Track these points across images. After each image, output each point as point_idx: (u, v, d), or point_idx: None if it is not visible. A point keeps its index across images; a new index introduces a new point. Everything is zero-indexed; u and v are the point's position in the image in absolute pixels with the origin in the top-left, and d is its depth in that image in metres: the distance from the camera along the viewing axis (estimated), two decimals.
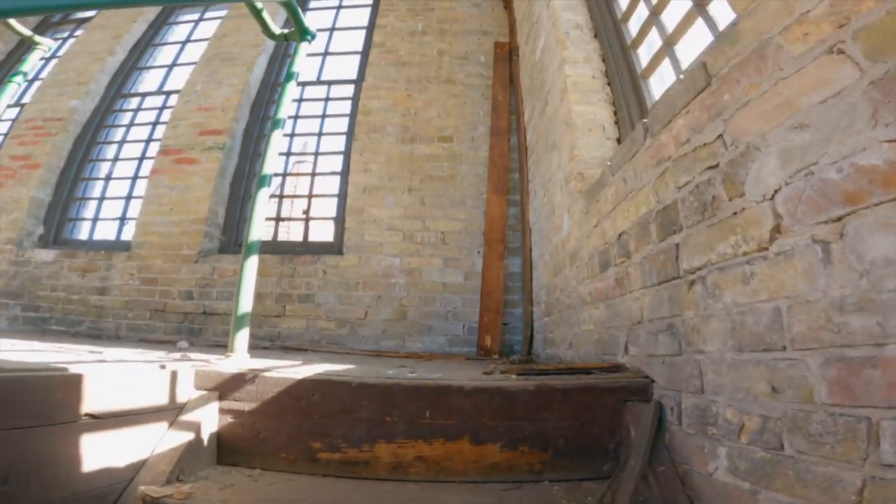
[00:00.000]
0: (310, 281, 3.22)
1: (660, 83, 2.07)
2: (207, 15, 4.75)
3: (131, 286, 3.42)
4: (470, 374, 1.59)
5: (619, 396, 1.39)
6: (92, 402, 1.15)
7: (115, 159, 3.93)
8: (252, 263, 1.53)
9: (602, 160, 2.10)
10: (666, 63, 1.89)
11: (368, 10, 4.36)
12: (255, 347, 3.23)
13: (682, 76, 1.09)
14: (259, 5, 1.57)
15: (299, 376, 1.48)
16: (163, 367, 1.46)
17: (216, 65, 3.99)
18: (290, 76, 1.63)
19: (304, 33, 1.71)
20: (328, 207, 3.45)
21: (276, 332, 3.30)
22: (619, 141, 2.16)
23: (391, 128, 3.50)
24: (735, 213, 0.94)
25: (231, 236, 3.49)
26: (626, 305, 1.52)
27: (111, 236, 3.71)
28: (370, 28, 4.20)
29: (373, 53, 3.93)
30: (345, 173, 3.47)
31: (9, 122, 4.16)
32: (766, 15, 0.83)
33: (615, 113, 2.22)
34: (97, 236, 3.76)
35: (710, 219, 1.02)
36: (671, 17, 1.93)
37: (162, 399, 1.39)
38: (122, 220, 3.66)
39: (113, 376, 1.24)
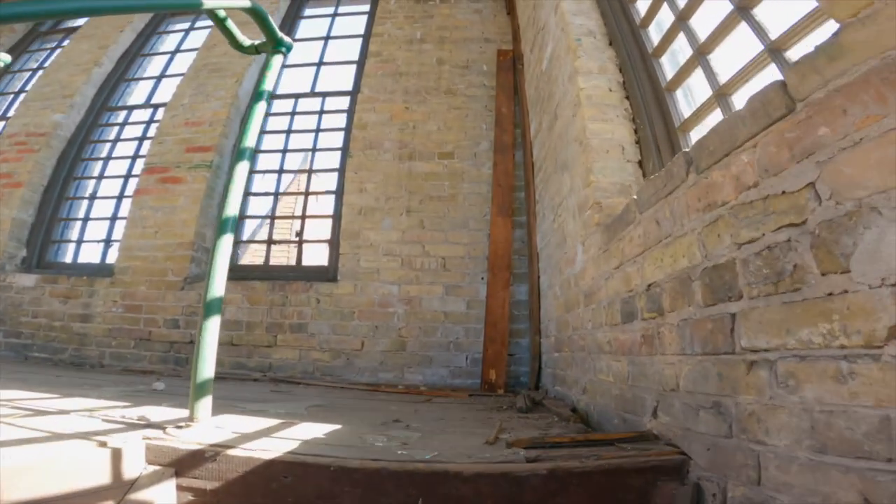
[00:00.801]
0: (302, 310, 2.99)
1: (688, 97, 1.82)
2: (198, 24, 4.55)
3: (114, 314, 3.21)
4: (470, 448, 1.34)
5: (649, 477, 1.15)
6: (12, 491, 0.97)
7: (100, 177, 3.73)
8: (213, 325, 1.30)
9: (622, 187, 1.85)
10: (698, 75, 1.63)
11: (365, 17, 4.14)
12: (245, 379, 3.00)
13: (750, 97, 0.84)
14: (222, 14, 1.34)
15: (268, 455, 1.24)
16: (103, 444, 1.22)
17: (204, 76, 3.77)
18: (259, 96, 1.38)
19: (277, 44, 1.47)
20: (324, 228, 3.22)
21: (268, 363, 3.06)
22: (640, 164, 1.91)
23: (388, 143, 3.26)
24: (830, 294, 0.69)
25: None
26: (655, 368, 1.27)
27: (96, 259, 3.50)
28: (366, 36, 3.97)
29: (369, 63, 3.70)
30: (340, 193, 3.23)
31: None
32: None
33: (636, 131, 1.97)
34: (82, 259, 3.55)
35: (789, 294, 0.76)
36: (703, 23, 1.68)
37: (104, 478, 1.16)
38: (107, 242, 3.45)
39: (37, 465, 1.04)
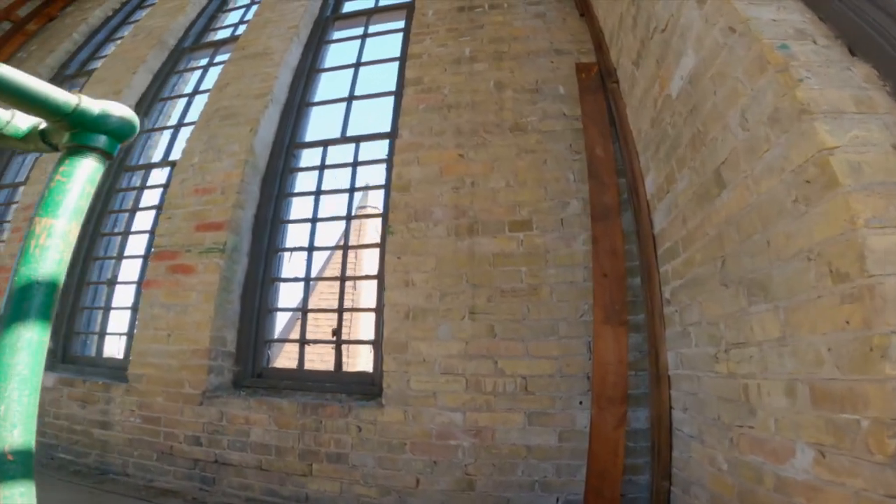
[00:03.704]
0: (340, 438, 2.11)
1: None
2: (217, 58, 3.68)
3: (133, 423, 2.50)
4: None
5: None
6: None
7: (120, 257, 2.99)
8: None
9: None
10: None
11: (400, 36, 3.06)
12: None
13: None
14: None
15: None
16: None
17: (216, 126, 2.87)
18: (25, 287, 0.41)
19: (79, 132, 0.48)
20: (368, 322, 2.28)
21: (304, 493, 2.24)
22: None
23: (440, 211, 2.22)
24: None
25: (247, 366, 2.43)
26: None
27: (120, 353, 2.82)
28: (402, 59, 2.91)
29: (407, 94, 2.65)
30: (382, 279, 2.27)
31: (13, 209, 3.35)
32: None
33: None
34: (108, 352, 2.89)
35: None
36: None
37: None
38: (130, 336, 2.71)
39: None
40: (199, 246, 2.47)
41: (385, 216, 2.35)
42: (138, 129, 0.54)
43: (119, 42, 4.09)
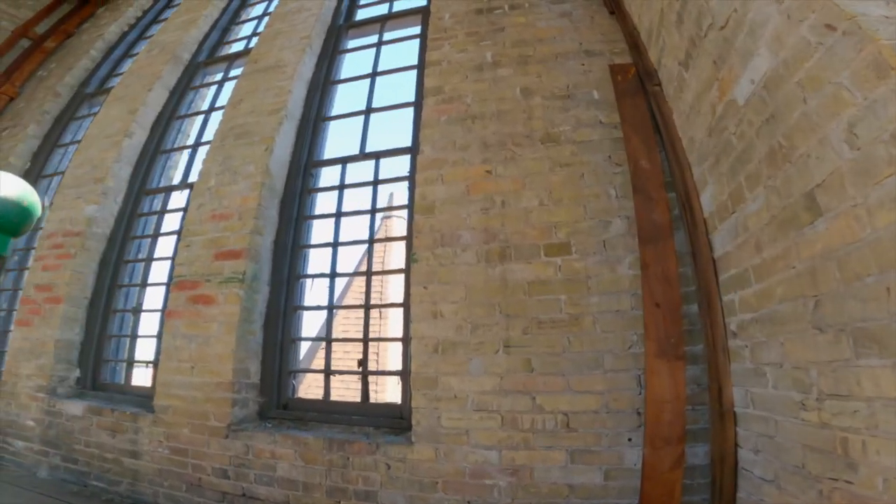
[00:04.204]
0: (369, 475, 1.98)
1: None
2: (232, 73, 3.57)
3: (161, 454, 2.44)
4: None
5: None
6: None
7: (144, 284, 2.92)
8: None
9: None
10: None
11: (417, 42, 2.87)
12: None
13: None
14: None
15: None
16: None
17: (230, 145, 2.76)
18: None
19: None
20: (395, 351, 2.14)
21: None
22: None
23: (468, 235, 2.05)
24: None
25: (272, 397, 2.33)
26: None
27: (149, 381, 2.76)
28: (420, 67, 2.72)
29: (427, 105, 2.47)
30: (408, 308, 2.12)
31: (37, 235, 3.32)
32: None
33: None
34: (137, 380, 2.84)
35: None
36: None
37: None
38: (156, 365, 2.64)
39: None
40: (218, 275, 2.37)
41: (409, 241, 2.20)
42: (38, 213, 0.38)
43: (135, 58, 4.02)
